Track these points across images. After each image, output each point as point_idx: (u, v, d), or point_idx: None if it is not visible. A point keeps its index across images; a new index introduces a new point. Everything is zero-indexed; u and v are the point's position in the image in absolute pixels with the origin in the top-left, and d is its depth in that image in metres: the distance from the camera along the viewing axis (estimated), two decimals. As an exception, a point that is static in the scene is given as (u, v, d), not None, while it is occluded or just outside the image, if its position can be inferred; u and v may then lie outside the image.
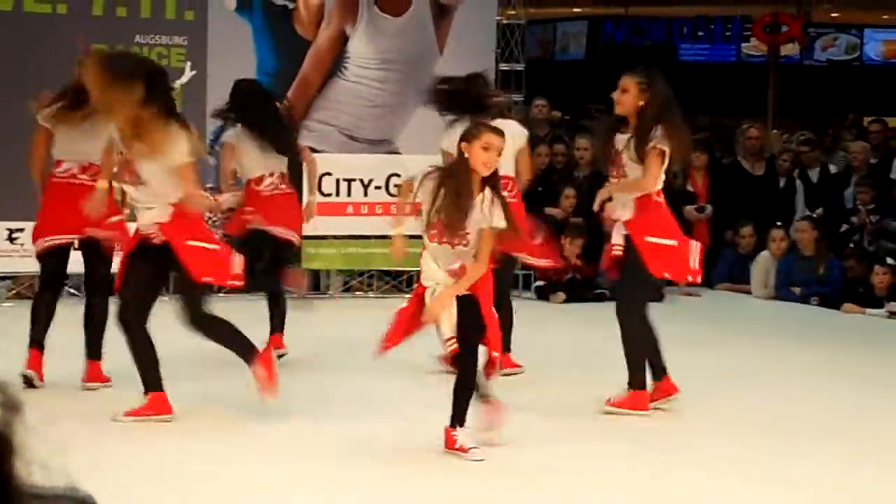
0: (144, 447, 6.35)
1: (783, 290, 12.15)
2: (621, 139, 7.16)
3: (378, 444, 6.49)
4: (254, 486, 5.81)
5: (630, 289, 7.27)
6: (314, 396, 7.47)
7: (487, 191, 6.15)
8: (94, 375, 7.56)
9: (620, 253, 7.18)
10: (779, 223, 12.53)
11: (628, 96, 7.12)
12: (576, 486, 5.93)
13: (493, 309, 6.25)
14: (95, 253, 7.56)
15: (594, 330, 9.15)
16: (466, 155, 6.13)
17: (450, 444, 6.25)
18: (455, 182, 6.12)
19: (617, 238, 7.20)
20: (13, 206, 9.82)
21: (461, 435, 6.23)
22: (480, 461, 6.15)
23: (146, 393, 6.77)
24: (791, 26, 22.17)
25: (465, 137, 6.19)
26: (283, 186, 8.44)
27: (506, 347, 7.76)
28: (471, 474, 6.04)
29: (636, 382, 7.20)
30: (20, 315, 8.06)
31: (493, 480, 5.96)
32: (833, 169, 13.93)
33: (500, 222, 6.15)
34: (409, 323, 6.35)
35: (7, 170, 9.74)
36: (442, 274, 6.17)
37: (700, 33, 25.25)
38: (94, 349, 7.57)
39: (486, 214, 6.13)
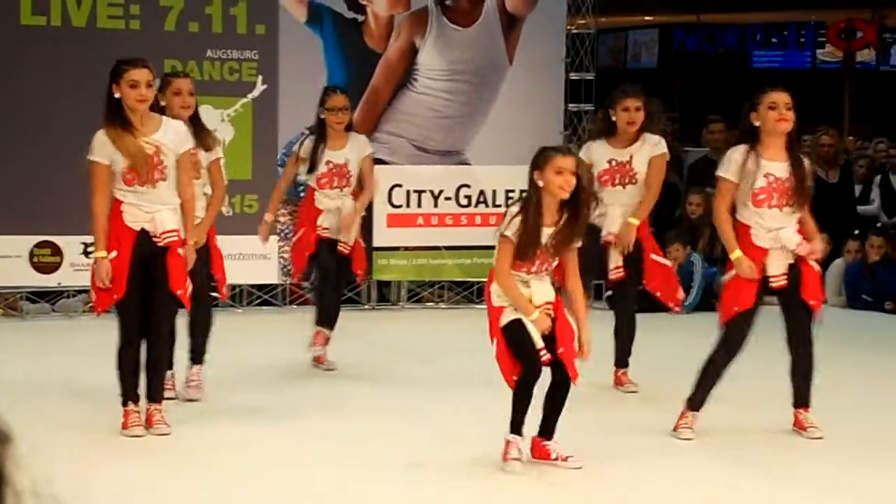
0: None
1: (853, 297, 12.00)
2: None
3: (455, 453, 6.47)
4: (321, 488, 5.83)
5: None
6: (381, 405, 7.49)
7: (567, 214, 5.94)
8: None
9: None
10: (856, 232, 12.34)
11: None
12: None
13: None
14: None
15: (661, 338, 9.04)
16: (540, 183, 5.85)
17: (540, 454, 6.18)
18: (534, 211, 5.87)
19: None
20: (88, 220, 9.87)
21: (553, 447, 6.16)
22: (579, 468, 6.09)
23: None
24: (866, 32, 21.93)
25: (537, 165, 5.90)
26: None
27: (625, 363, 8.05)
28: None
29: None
30: (96, 327, 8.14)
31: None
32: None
33: (577, 242, 6.00)
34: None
35: (82, 184, 9.81)
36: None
37: (774, 40, 25.04)
38: None
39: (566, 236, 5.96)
